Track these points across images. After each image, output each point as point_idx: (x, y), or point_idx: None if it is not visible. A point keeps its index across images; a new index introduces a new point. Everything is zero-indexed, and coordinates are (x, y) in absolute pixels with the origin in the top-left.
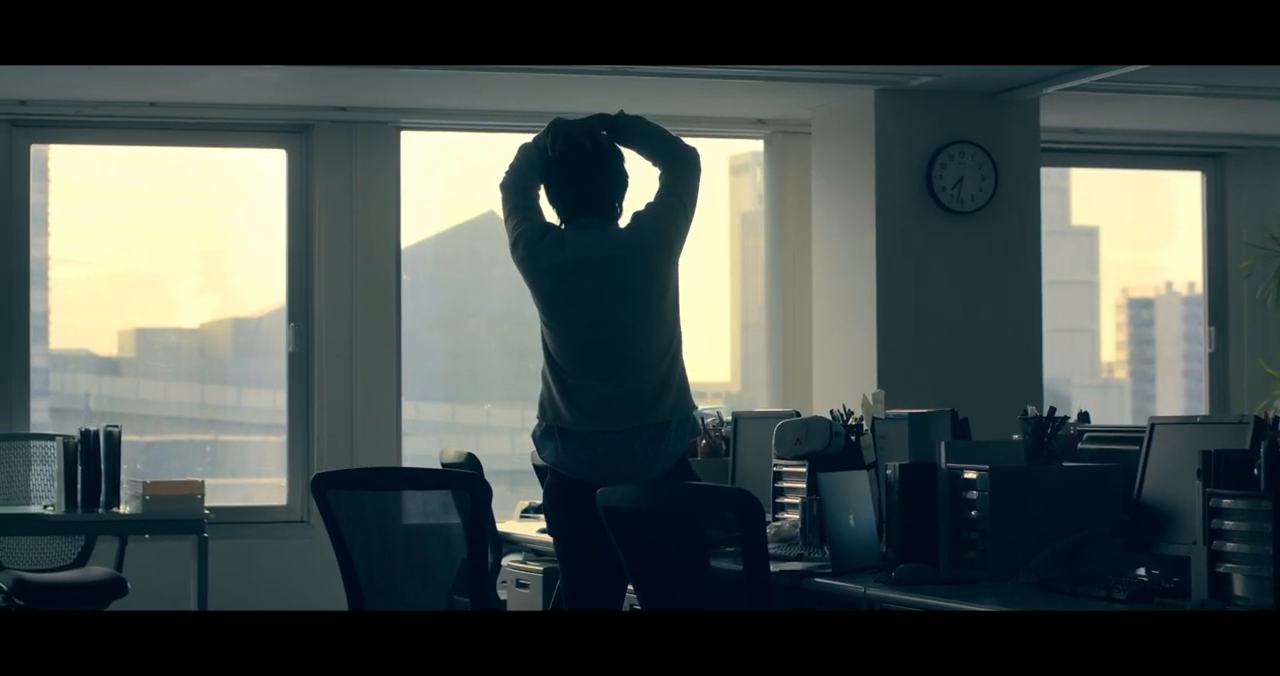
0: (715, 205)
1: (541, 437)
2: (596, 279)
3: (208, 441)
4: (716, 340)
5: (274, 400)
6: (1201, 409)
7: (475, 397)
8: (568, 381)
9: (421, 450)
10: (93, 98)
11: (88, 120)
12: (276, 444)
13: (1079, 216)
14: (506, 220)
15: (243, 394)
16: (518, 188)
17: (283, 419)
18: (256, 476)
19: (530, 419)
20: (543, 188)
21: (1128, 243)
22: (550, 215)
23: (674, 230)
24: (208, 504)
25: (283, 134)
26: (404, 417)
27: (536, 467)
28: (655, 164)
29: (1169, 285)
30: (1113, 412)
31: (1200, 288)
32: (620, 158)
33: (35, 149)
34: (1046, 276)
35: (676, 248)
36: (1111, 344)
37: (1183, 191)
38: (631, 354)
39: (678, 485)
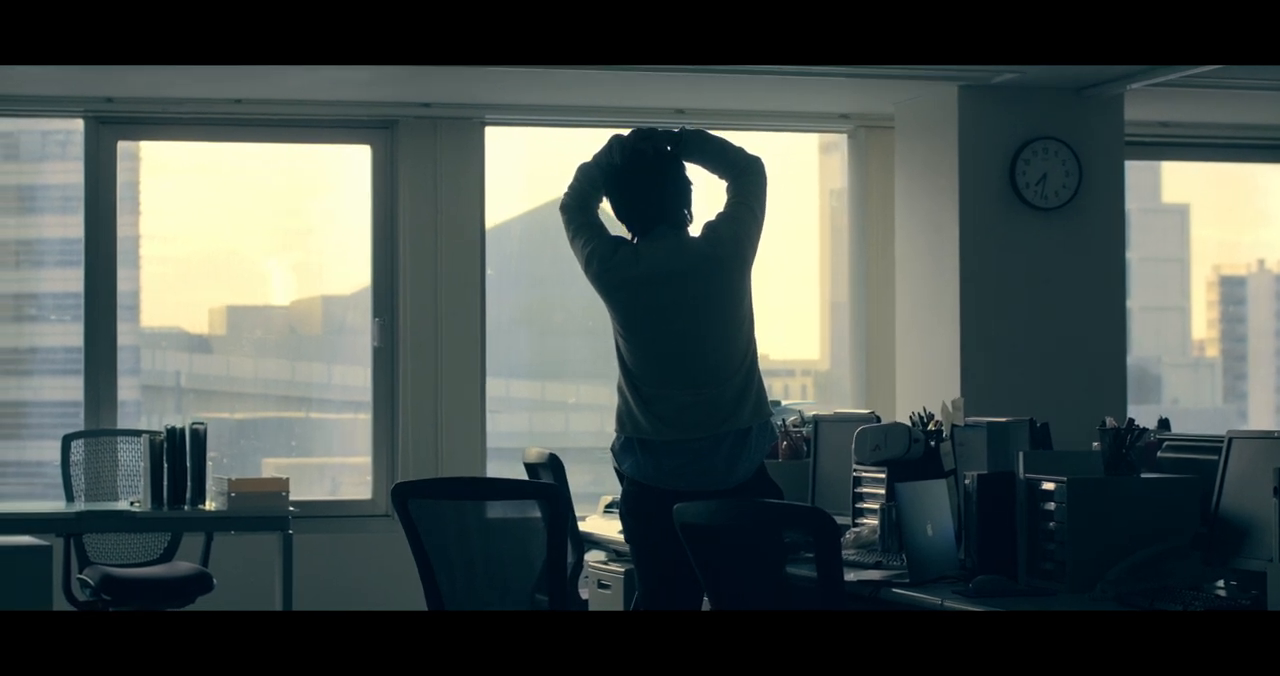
0: (805, 183)
1: (621, 450)
2: (674, 291)
3: (297, 419)
4: (805, 318)
5: (364, 378)
6: None
7: (563, 375)
8: (646, 392)
9: (510, 427)
10: (178, 95)
11: (173, 117)
12: (365, 421)
13: (1170, 194)
14: (574, 240)
15: (332, 371)
16: (580, 206)
17: (371, 397)
18: (345, 455)
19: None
20: (609, 204)
21: (1219, 220)
22: (615, 229)
23: (747, 238)
24: (294, 491)
25: (367, 130)
26: (495, 396)
27: (617, 469)
28: (722, 176)
29: (1261, 263)
30: (1204, 391)
31: None
32: (681, 164)
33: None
34: (1137, 254)
35: (750, 255)
36: (1203, 322)
37: (1273, 183)
38: (710, 363)
39: (755, 503)
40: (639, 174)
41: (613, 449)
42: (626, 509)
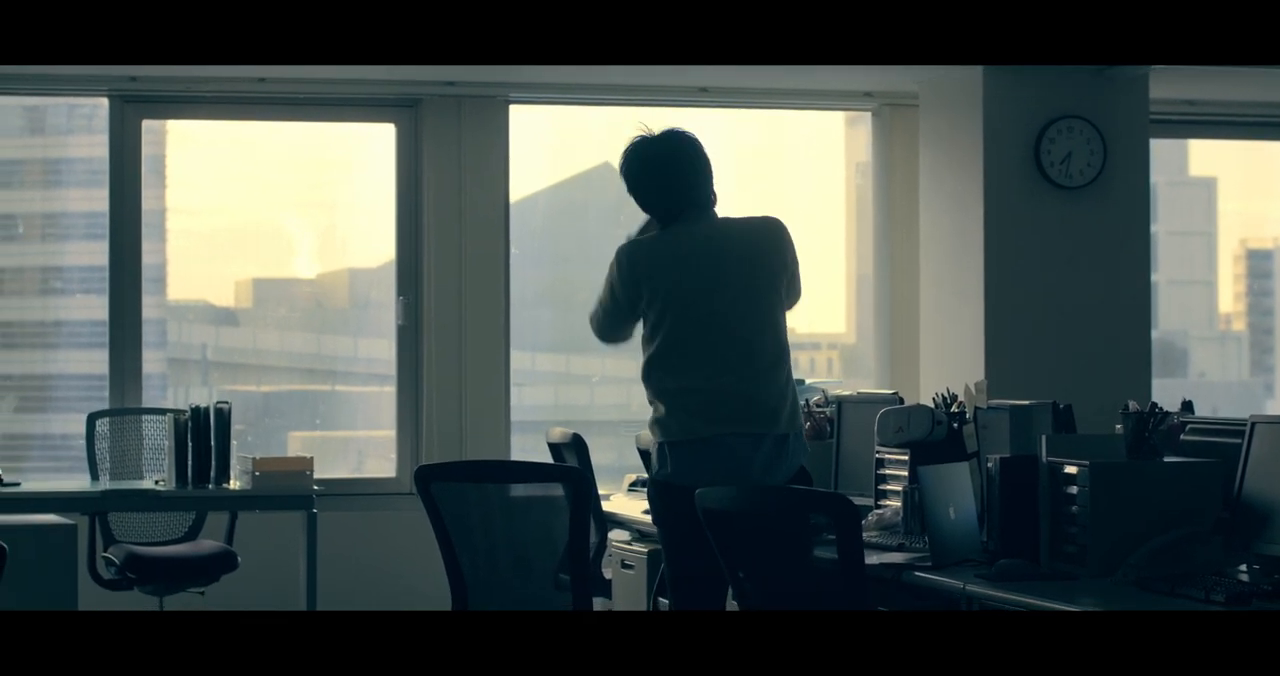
0: (830, 155)
1: (657, 457)
2: (709, 266)
3: (323, 392)
4: (831, 291)
5: (389, 351)
6: None
7: (587, 349)
8: (674, 385)
9: (535, 401)
10: (202, 74)
11: (197, 95)
12: (391, 394)
13: (1197, 167)
14: (606, 298)
15: (358, 344)
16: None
17: (396, 372)
18: (371, 429)
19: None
20: (635, 199)
21: (1246, 193)
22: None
23: (790, 249)
24: (319, 464)
25: (391, 108)
26: (520, 369)
27: (641, 451)
28: None
29: None
30: (1230, 365)
31: None
32: (698, 144)
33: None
34: (1163, 227)
35: (785, 263)
36: (1229, 295)
37: None
38: (742, 350)
39: (775, 488)
40: (661, 159)
41: (650, 465)
42: (656, 492)
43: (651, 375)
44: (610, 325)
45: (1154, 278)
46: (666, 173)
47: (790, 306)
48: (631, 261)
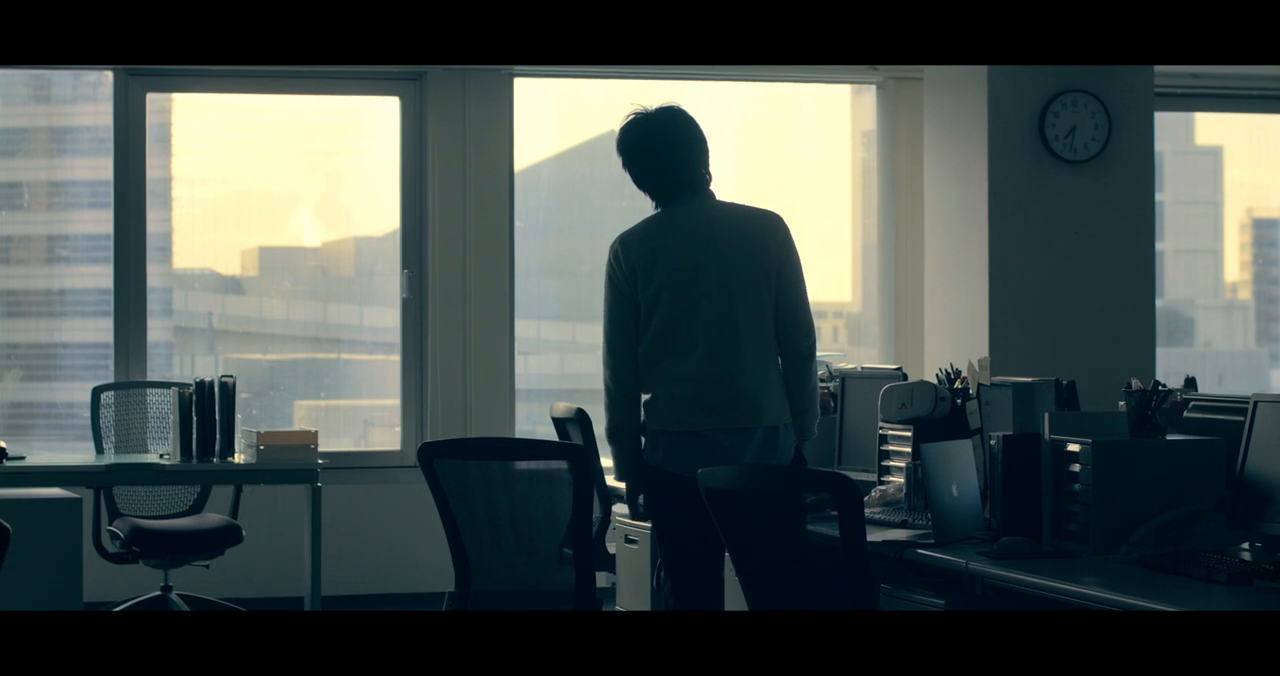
0: (836, 123)
1: (649, 444)
2: (703, 247)
3: (329, 360)
4: (837, 260)
5: (395, 319)
6: None
7: (593, 318)
8: (664, 370)
9: (540, 369)
10: None
11: (202, 69)
12: (396, 362)
13: (1203, 136)
14: (608, 300)
15: (364, 312)
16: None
17: (400, 342)
18: (376, 397)
19: None
20: (632, 177)
21: (1252, 162)
22: (627, 207)
23: (785, 246)
24: (325, 433)
25: (396, 81)
26: (525, 337)
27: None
28: None
29: None
30: (1236, 334)
31: None
32: (693, 122)
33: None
34: (1170, 197)
35: (780, 257)
36: (1235, 264)
37: None
38: (732, 338)
39: (777, 468)
40: (656, 135)
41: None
42: (649, 474)
43: (644, 359)
44: (617, 329)
45: (1160, 247)
46: (662, 149)
47: (790, 312)
48: (625, 247)
